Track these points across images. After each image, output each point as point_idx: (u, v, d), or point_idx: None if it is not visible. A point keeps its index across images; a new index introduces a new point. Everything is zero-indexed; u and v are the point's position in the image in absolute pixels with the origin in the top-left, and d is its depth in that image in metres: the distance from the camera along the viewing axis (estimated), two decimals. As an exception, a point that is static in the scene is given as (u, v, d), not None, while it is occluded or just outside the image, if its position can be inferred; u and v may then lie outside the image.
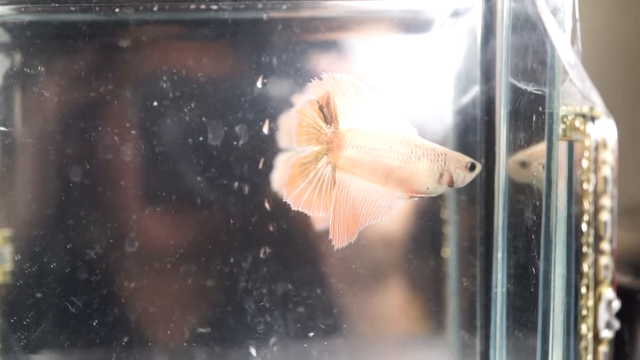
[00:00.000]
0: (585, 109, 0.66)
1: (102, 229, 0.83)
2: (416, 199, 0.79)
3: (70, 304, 0.82)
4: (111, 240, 0.83)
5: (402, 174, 0.73)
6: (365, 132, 0.73)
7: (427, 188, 0.73)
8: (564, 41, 0.68)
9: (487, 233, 0.84)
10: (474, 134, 0.86)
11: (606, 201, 0.62)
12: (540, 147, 0.74)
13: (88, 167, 0.82)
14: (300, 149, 0.70)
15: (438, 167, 0.73)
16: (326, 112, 0.70)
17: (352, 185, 0.72)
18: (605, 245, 0.63)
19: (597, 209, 0.63)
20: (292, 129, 0.70)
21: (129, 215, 0.83)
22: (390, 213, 0.73)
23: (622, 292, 0.80)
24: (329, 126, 0.70)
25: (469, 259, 0.86)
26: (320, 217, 0.82)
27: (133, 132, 0.82)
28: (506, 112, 0.81)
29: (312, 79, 0.70)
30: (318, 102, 0.70)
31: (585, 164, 0.64)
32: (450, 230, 0.88)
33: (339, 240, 0.71)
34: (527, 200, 0.76)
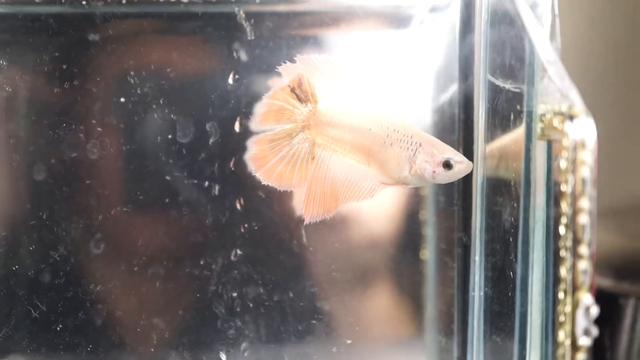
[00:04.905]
0: (563, 108, 0.64)
1: (67, 230, 0.80)
2: (395, 188, 0.78)
3: (33, 307, 0.80)
4: (76, 242, 0.80)
5: (379, 158, 0.72)
6: (346, 111, 0.72)
7: (399, 177, 0.72)
8: (542, 37, 0.66)
9: (465, 235, 0.82)
10: (451, 133, 0.83)
11: (584, 203, 0.60)
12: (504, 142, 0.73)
13: (53, 165, 0.79)
14: (269, 129, 0.71)
15: (406, 157, 0.71)
16: (299, 93, 0.71)
17: (332, 162, 0.72)
18: (583, 249, 0.61)
19: (575, 211, 0.61)
20: (261, 114, 0.71)
21: (95, 216, 0.80)
22: (372, 196, 0.72)
23: (604, 296, 0.78)
24: (304, 105, 0.71)
25: (446, 261, 0.84)
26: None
27: (100, 129, 0.79)
28: (484, 110, 0.78)
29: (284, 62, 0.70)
30: (289, 86, 0.70)
31: (563, 164, 0.62)
32: (429, 232, 0.86)
33: (312, 215, 0.71)
34: (505, 202, 0.74)
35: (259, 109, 0.73)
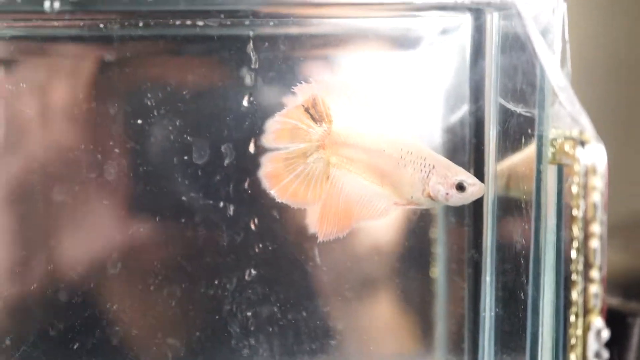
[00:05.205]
0: (574, 133, 0.65)
1: (84, 249, 0.81)
2: (408, 209, 0.79)
3: (51, 326, 0.81)
4: (93, 262, 0.81)
5: (392, 179, 0.73)
6: (361, 132, 0.74)
7: (412, 197, 0.73)
8: (553, 63, 0.67)
9: (476, 255, 0.83)
10: (462, 154, 0.84)
11: (596, 228, 0.61)
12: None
13: (70, 185, 0.81)
14: (284, 147, 0.73)
15: (420, 179, 0.73)
16: (313, 113, 0.73)
17: (347, 181, 0.74)
18: (594, 273, 0.62)
19: (586, 236, 0.62)
20: (275, 131, 0.73)
21: (112, 236, 0.81)
22: (385, 216, 0.75)
23: (611, 315, 0.79)
24: (319, 125, 0.73)
25: (457, 281, 0.85)
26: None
27: (117, 150, 0.81)
28: (495, 133, 0.80)
29: (300, 83, 0.73)
30: (303, 105, 0.73)
31: (574, 189, 0.63)
32: (439, 250, 0.87)
33: (326, 233, 0.73)
34: (516, 224, 0.75)
35: (272, 126, 0.75)
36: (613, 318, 0.80)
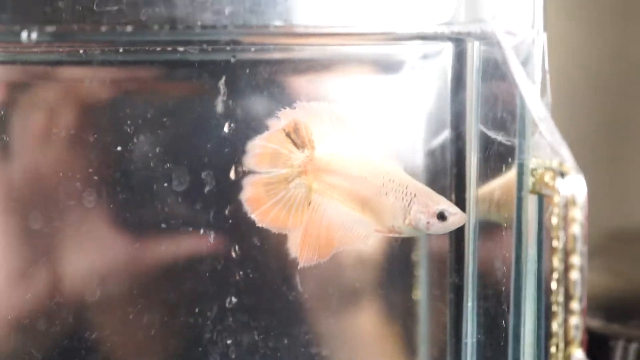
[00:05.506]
0: (554, 164, 0.65)
1: (62, 277, 0.80)
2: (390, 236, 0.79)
3: (28, 355, 0.80)
4: (70, 290, 0.80)
5: (373, 206, 0.73)
6: (343, 159, 0.74)
7: (393, 226, 0.73)
8: (533, 93, 0.67)
9: (457, 280, 0.83)
10: (444, 178, 0.84)
11: (575, 259, 0.62)
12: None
13: (46, 213, 0.80)
14: (265, 171, 0.73)
15: (401, 207, 0.73)
16: (295, 138, 0.73)
17: (329, 208, 0.73)
18: (575, 305, 0.62)
19: (566, 267, 0.62)
20: (256, 155, 0.73)
21: (90, 264, 0.80)
22: (366, 243, 0.74)
23: (593, 337, 0.79)
24: (301, 150, 0.72)
25: (438, 305, 0.85)
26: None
27: (95, 177, 0.80)
28: (476, 159, 0.80)
29: (283, 108, 0.73)
30: (285, 130, 0.72)
31: (554, 220, 0.63)
32: (421, 274, 0.87)
33: (307, 259, 0.73)
34: (497, 251, 0.75)
35: (253, 149, 0.74)
36: (595, 341, 0.81)
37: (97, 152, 0.80)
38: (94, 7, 0.69)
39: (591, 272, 0.73)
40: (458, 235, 0.83)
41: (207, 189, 0.80)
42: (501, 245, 0.75)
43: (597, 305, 0.96)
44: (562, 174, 0.63)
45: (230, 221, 0.80)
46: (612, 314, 0.96)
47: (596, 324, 0.94)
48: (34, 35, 0.67)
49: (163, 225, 0.80)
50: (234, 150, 0.80)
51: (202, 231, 0.80)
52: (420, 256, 0.87)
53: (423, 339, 0.86)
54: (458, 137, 0.82)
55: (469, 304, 0.80)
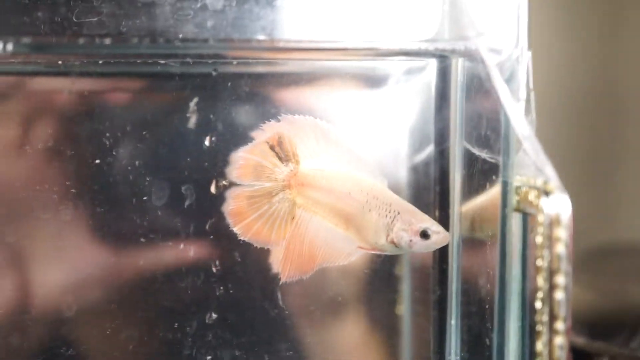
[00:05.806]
0: (539, 182, 0.64)
1: (39, 292, 0.78)
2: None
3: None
4: (48, 305, 0.79)
5: (357, 223, 0.72)
6: (328, 174, 0.73)
7: (376, 243, 0.73)
8: (517, 111, 0.67)
9: (441, 297, 0.82)
10: (428, 194, 0.84)
11: (560, 279, 0.61)
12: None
13: (25, 227, 0.78)
14: (248, 184, 0.72)
15: (384, 224, 0.72)
16: (279, 151, 0.72)
17: (312, 223, 0.73)
18: (559, 325, 0.61)
19: (551, 287, 0.61)
20: (239, 166, 0.72)
21: (68, 278, 0.79)
22: (348, 259, 0.74)
23: (577, 354, 0.78)
24: (285, 164, 0.72)
25: (421, 322, 0.84)
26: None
27: (73, 190, 0.78)
28: (460, 175, 0.79)
29: (269, 120, 0.72)
30: (268, 143, 0.72)
31: (539, 239, 0.62)
32: (404, 288, 0.86)
33: (288, 275, 0.72)
34: (482, 269, 0.75)
35: (236, 161, 0.73)
36: (579, 358, 0.80)
37: (75, 165, 0.78)
38: (74, 18, 0.68)
39: (575, 288, 0.73)
40: (442, 251, 0.82)
41: (187, 202, 0.79)
42: (485, 262, 0.74)
43: (581, 322, 0.95)
44: (547, 193, 0.63)
45: (211, 236, 0.79)
46: (596, 331, 0.96)
47: (580, 341, 0.94)
48: (10, 47, 0.65)
49: (142, 240, 0.79)
50: (215, 164, 0.79)
51: (182, 246, 0.79)
52: (404, 271, 0.86)
53: (406, 355, 0.85)
54: (442, 154, 0.81)
55: (452, 322, 0.79)
